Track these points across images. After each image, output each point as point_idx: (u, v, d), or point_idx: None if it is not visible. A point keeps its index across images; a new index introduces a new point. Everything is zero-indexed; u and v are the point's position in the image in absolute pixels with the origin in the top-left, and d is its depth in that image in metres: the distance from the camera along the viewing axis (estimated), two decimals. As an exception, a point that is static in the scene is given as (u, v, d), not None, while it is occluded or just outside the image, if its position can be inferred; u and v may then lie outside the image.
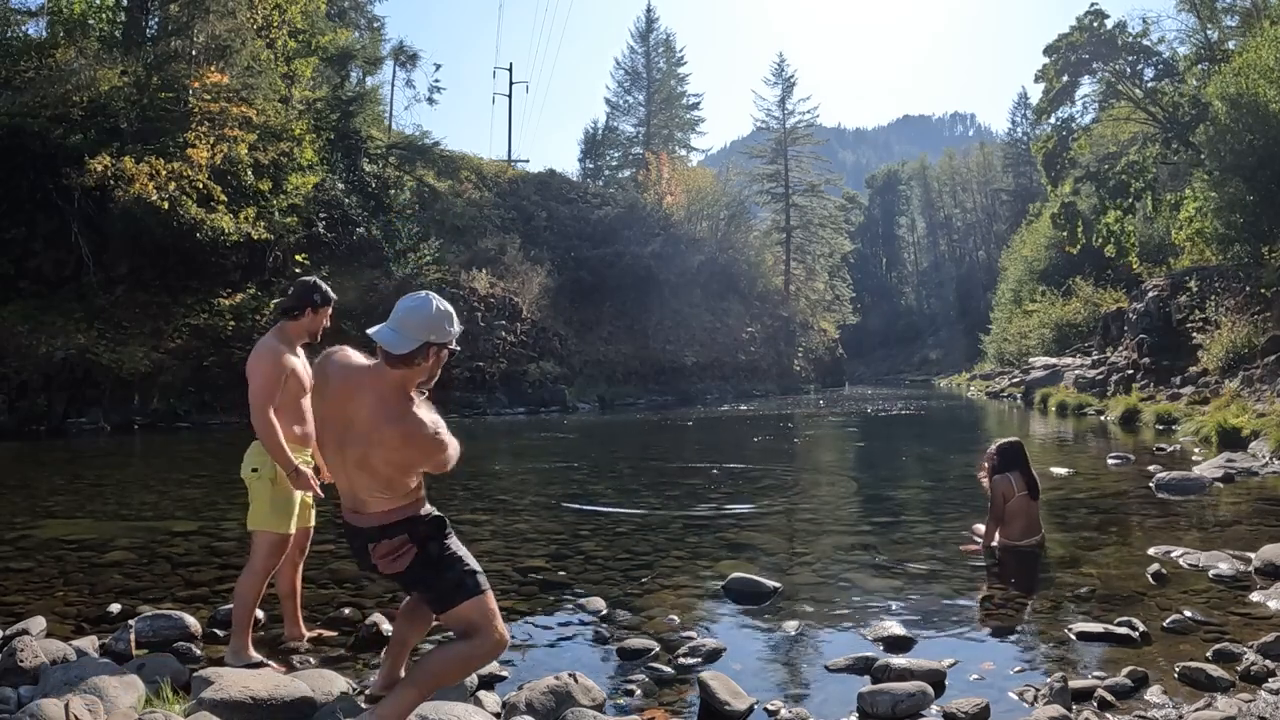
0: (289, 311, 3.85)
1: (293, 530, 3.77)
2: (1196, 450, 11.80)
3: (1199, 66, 25.44)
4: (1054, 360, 27.99)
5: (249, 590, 3.66)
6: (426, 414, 2.65)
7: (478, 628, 2.74)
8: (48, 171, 18.80)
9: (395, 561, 2.71)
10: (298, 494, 3.77)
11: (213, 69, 22.26)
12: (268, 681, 3.10)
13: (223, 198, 20.61)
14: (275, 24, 25.48)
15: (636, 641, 3.99)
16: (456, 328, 2.73)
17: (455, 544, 2.82)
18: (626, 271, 35.93)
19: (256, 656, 3.66)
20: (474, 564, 2.82)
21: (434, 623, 3.23)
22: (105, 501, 8.43)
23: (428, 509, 2.78)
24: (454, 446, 2.71)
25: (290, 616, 4.06)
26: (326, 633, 4.18)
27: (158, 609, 4.34)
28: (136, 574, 5.41)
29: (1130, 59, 26.96)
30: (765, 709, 3.25)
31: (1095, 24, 26.67)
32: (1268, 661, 3.50)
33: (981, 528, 5.97)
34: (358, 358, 2.81)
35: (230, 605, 4.49)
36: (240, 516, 6.70)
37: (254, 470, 3.73)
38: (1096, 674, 3.51)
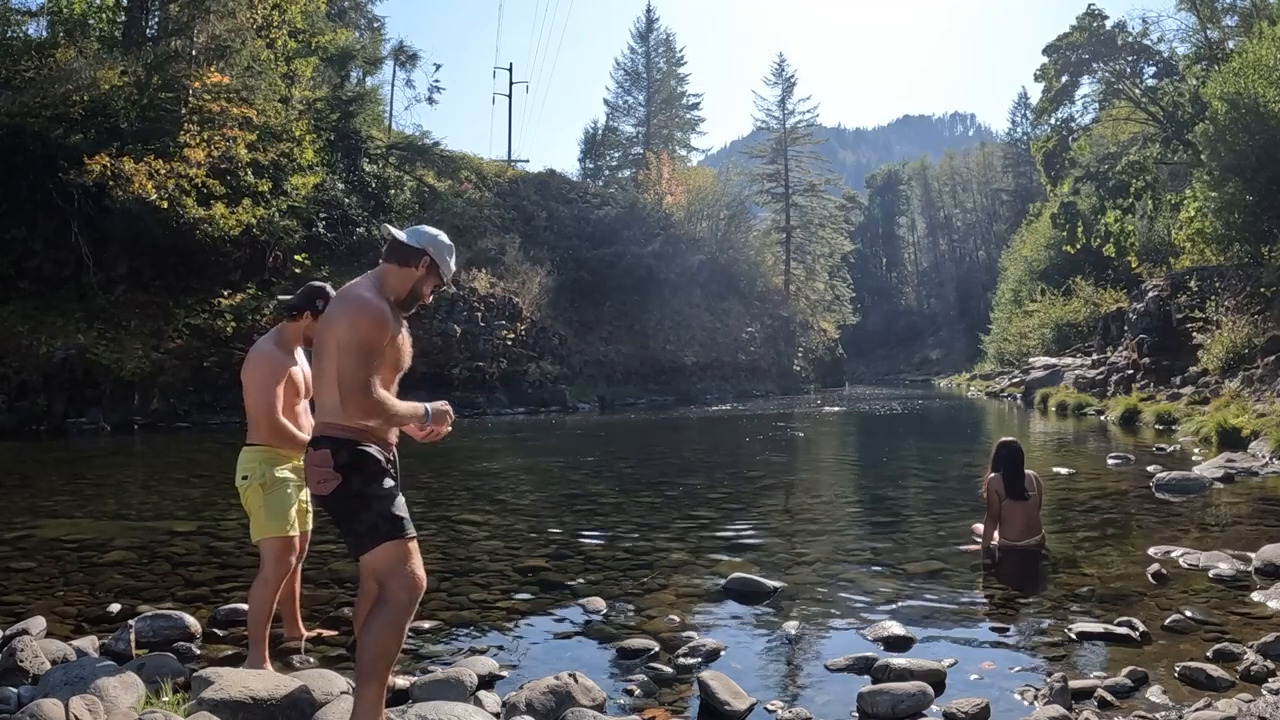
0: (291, 310, 3.83)
1: (295, 532, 3.75)
2: (1196, 450, 11.80)
3: (1199, 66, 25.44)
4: (1054, 360, 28.00)
5: (263, 600, 3.62)
6: (384, 302, 2.75)
7: (389, 573, 2.72)
8: (48, 171, 18.80)
9: (321, 484, 2.73)
10: (294, 496, 3.76)
11: (213, 69, 22.26)
12: (268, 681, 3.10)
13: (221, 191, 20.59)
14: (275, 24, 25.47)
15: (636, 641, 3.99)
16: (454, 267, 2.98)
17: (385, 488, 2.79)
18: (626, 271, 35.93)
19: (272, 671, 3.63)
20: (401, 510, 2.79)
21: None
22: (105, 501, 8.43)
23: (366, 444, 2.78)
24: (374, 311, 2.71)
25: (289, 618, 4.06)
26: (327, 631, 4.19)
27: (158, 609, 4.33)
28: (136, 574, 5.41)
29: (1130, 59, 26.99)
30: (765, 709, 3.25)
31: (1094, 24, 26.69)
32: (1268, 661, 3.50)
33: (981, 527, 5.98)
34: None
35: (229, 606, 4.51)
36: (240, 517, 6.73)
37: (244, 478, 3.72)
38: (1096, 674, 3.51)
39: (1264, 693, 3.20)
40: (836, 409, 23.61)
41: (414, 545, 2.80)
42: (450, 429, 3.00)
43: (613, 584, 5.14)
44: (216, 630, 4.27)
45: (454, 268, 2.98)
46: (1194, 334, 17.64)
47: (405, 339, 2.91)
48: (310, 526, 4.03)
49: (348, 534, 2.80)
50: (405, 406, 2.81)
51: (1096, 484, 8.93)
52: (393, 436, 2.94)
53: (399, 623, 2.74)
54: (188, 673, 3.37)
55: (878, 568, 5.47)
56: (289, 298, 3.89)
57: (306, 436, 3.69)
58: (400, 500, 2.83)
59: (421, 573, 2.80)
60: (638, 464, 12.15)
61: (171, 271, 20.36)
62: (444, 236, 2.95)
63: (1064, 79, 27.86)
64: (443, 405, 2.95)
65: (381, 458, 2.82)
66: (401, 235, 2.87)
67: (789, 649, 4.03)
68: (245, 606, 4.45)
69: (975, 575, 5.34)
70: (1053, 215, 31.81)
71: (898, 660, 3.60)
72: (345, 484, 2.72)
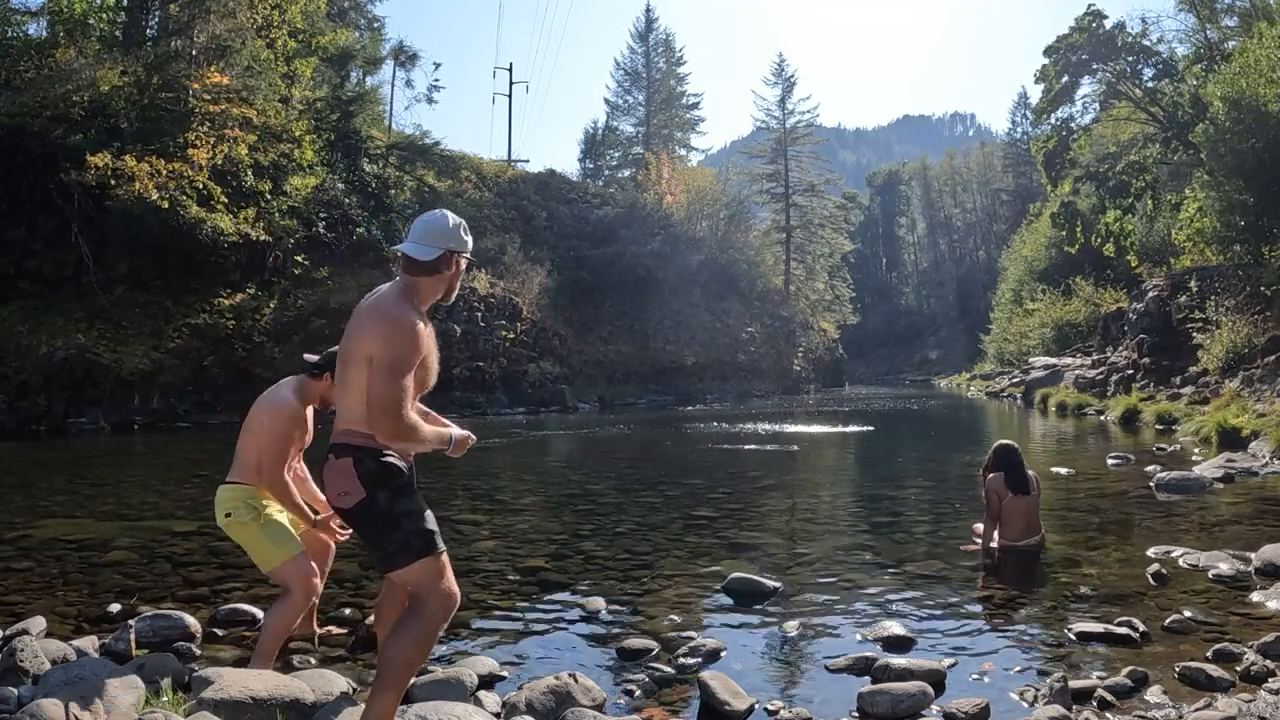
0: (315, 370, 3.75)
1: (300, 547, 3.67)
2: (1196, 450, 11.80)
3: (1198, 66, 25.44)
4: (1054, 360, 27.99)
5: (285, 621, 3.56)
6: (417, 318, 2.68)
7: (424, 588, 2.66)
8: (48, 171, 18.80)
9: (343, 496, 2.66)
10: (286, 514, 3.72)
11: (213, 69, 22.26)
12: (268, 681, 3.10)
13: (223, 198, 20.63)
14: (275, 24, 25.47)
15: (636, 641, 3.99)
16: (470, 239, 2.86)
17: (413, 501, 2.72)
18: (626, 271, 35.94)
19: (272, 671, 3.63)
20: (429, 524, 2.71)
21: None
22: (105, 501, 8.43)
23: (391, 454, 2.69)
24: (406, 323, 2.62)
25: (306, 614, 4.04)
26: (336, 630, 4.18)
27: (158, 609, 4.33)
28: (136, 574, 5.41)
29: (1130, 59, 27.00)
30: (765, 709, 3.25)
31: (1094, 25, 26.69)
32: (1268, 661, 3.50)
33: (981, 527, 5.98)
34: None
35: (229, 605, 4.50)
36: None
37: (227, 515, 3.64)
38: (1096, 674, 3.51)
39: (1264, 693, 3.20)
40: (822, 414, 23.52)
41: (446, 559, 2.73)
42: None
43: (613, 584, 5.14)
44: (216, 630, 4.26)
45: (471, 239, 2.88)
46: (1194, 334, 17.64)
47: (434, 355, 2.82)
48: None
49: (374, 550, 2.72)
50: (431, 432, 2.73)
51: (1096, 484, 8.93)
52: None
53: (429, 637, 2.69)
54: (188, 673, 3.37)
55: (878, 568, 5.47)
56: (315, 357, 3.80)
57: (297, 497, 3.70)
58: (429, 513, 2.75)
59: (455, 587, 2.75)
60: (638, 464, 12.15)
61: (171, 271, 20.36)
62: (451, 217, 2.82)
63: (1064, 79, 27.87)
64: (468, 435, 2.86)
65: (404, 465, 2.74)
66: (422, 253, 2.73)
67: (789, 649, 4.03)
68: (246, 607, 4.46)
69: (975, 575, 5.34)
70: (1053, 215, 31.84)
71: (898, 660, 3.60)
72: (371, 499, 2.64)
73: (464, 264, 2.85)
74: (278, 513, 3.70)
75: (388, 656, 2.66)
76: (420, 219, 2.83)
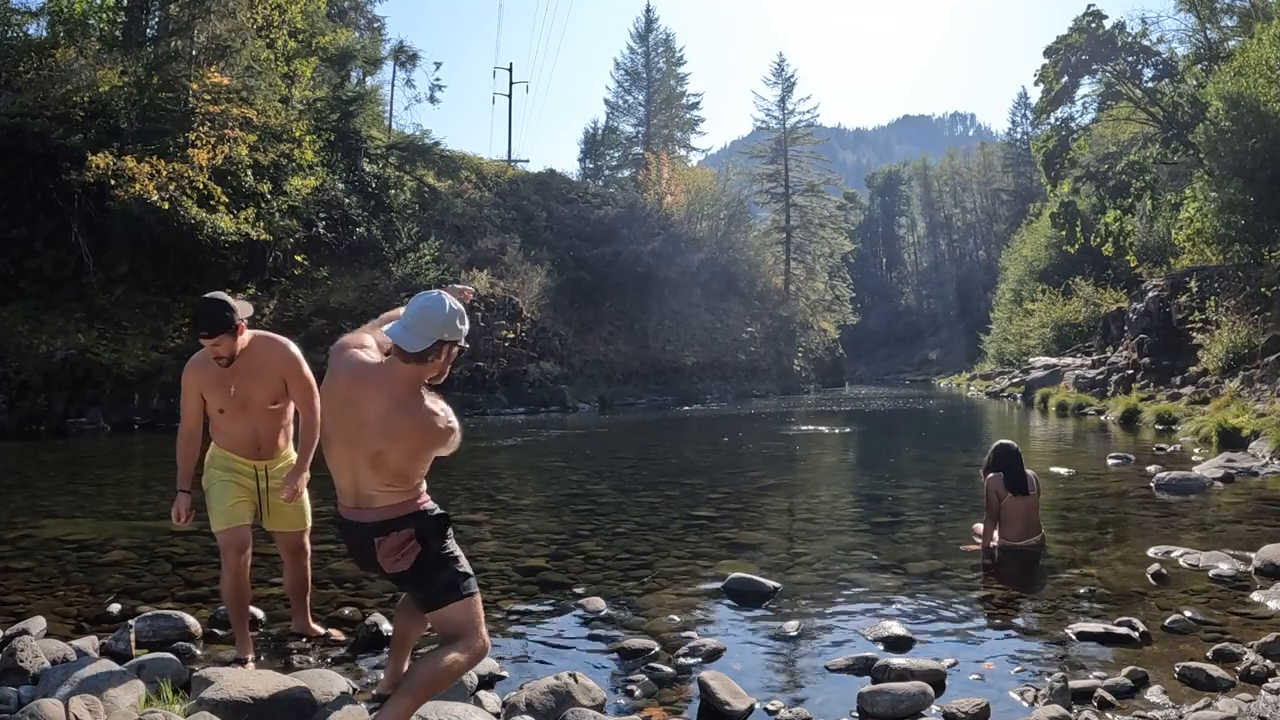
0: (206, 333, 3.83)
1: (221, 527, 3.73)
2: (1196, 450, 11.80)
3: (1198, 66, 25.44)
4: (1054, 360, 28.00)
5: (222, 587, 3.77)
6: (436, 404, 2.78)
7: (463, 630, 2.78)
8: (48, 171, 18.79)
9: (401, 560, 2.75)
10: (225, 491, 3.78)
11: (213, 69, 22.24)
12: (268, 681, 3.10)
13: (223, 198, 20.62)
14: (275, 24, 25.44)
15: (636, 641, 3.99)
16: (467, 325, 2.84)
17: (453, 544, 2.87)
18: (626, 271, 35.91)
19: (244, 655, 3.70)
20: (467, 566, 2.87)
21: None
22: (105, 501, 8.43)
23: (431, 504, 2.84)
24: (458, 430, 2.81)
25: (297, 610, 4.09)
26: (335, 633, 4.17)
27: (158, 609, 4.33)
28: (136, 574, 5.41)
29: (1130, 59, 26.95)
30: (765, 709, 3.25)
31: (1094, 25, 26.66)
32: (1268, 661, 3.50)
33: (981, 527, 5.98)
34: (365, 355, 2.88)
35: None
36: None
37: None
38: (1096, 674, 3.51)
39: (1264, 693, 3.20)
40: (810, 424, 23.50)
41: (479, 601, 2.87)
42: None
43: (613, 584, 5.14)
44: (216, 630, 4.27)
45: (467, 325, 2.83)
46: (1194, 334, 17.65)
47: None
48: (305, 526, 4.02)
49: (416, 589, 2.86)
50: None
51: (1096, 484, 8.93)
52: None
53: (457, 671, 2.79)
54: (188, 673, 3.37)
55: (878, 568, 5.47)
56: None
57: (182, 456, 3.79)
58: (462, 554, 2.90)
59: (487, 638, 2.89)
60: (638, 464, 12.14)
61: (171, 271, 20.35)
62: (449, 303, 2.76)
63: (1064, 80, 27.82)
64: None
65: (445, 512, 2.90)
66: (410, 343, 2.69)
67: (789, 649, 4.03)
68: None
69: (975, 575, 5.34)
70: (1053, 215, 31.81)
71: (898, 660, 3.60)
72: (425, 550, 2.76)
73: (456, 351, 2.81)
74: (224, 480, 3.78)
75: (415, 670, 2.77)
76: (417, 302, 2.77)
